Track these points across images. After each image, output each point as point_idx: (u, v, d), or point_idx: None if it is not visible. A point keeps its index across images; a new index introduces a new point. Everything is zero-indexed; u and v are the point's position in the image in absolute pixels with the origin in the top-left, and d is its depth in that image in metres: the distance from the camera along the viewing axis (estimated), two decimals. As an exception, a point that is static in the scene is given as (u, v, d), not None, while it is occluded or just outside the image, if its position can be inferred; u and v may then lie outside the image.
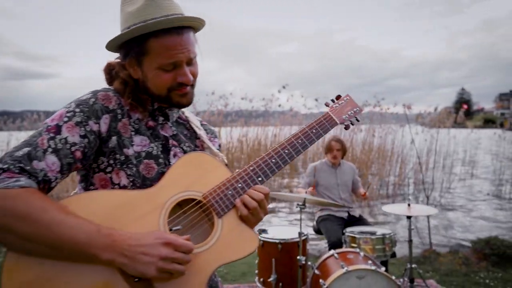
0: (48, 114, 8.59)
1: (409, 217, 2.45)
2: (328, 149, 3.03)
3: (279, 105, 8.07)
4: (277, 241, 2.36)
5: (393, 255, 2.45)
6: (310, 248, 4.22)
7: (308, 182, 3.01)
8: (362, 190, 2.99)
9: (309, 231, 3.02)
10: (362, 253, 2.24)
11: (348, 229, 2.54)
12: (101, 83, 0.96)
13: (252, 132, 8.62)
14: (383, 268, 2.20)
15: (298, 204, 2.20)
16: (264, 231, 2.55)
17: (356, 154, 8.35)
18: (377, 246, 2.38)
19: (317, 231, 2.92)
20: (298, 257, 2.20)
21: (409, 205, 2.50)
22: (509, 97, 65.88)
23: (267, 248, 2.41)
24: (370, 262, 2.10)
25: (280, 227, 2.91)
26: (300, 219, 2.22)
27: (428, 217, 4.30)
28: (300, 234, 2.21)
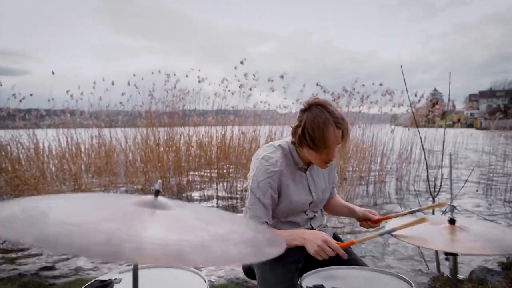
0: (18, 111, 6.95)
1: (453, 255, 1.03)
2: (323, 144, 1.28)
3: (233, 92, 6.49)
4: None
5: None
6: None
7: (267, 204, 1.33)
8: (370, 213, 1.49)
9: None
10: None
11: (307, 278, 1.10)
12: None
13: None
14: None
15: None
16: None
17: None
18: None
19: (248, 272, 1.46)
20: None
21: (452, 221, 1.08)
22: (478, 98, 67.67)
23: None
24: None
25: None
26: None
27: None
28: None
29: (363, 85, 7.20)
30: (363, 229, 1.68)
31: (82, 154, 7.30)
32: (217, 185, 6.23)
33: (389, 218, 1.40)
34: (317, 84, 7.17)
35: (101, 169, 7.06)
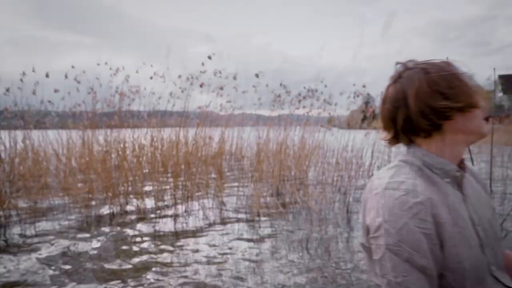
0: None
1: None
2: (472, 87, 0.77)
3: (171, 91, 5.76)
4: None
5: None
6: None
7: (429, 268, 0.70)
8: None
9: None
10: None
11: None
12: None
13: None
14: None
15: None
16: None
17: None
18: None
19: None
20: None
21: None
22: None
23: None
24: None
25: None
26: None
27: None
28: None
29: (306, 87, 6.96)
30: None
31: (3, 163, 5.97)
32: (175, 198, 5.46)
33: None
34: (280, 84, 6.80)
35: (30, 180, 5.83)
